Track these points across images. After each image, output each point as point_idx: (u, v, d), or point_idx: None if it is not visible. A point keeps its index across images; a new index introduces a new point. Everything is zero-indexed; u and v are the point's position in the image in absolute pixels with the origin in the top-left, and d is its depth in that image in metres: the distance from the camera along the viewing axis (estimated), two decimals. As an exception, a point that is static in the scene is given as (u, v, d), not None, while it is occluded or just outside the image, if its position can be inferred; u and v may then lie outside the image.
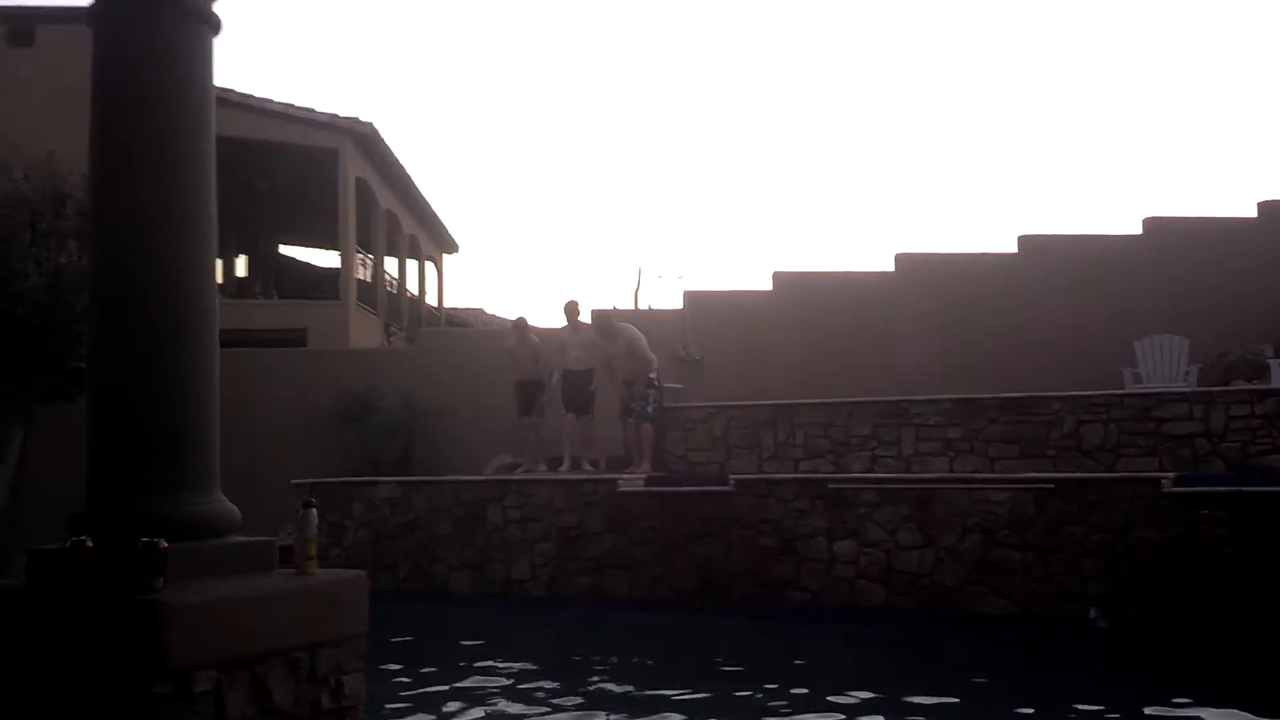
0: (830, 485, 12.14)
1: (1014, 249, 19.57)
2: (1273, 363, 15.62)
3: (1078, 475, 12.10)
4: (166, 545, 3.90)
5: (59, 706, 3.76)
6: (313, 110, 23.50)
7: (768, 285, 19.60)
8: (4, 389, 13.92)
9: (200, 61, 4.47)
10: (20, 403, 14.27)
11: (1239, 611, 10.37)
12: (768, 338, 18.26)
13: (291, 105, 23.33)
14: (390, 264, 28.49)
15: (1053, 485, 11.41)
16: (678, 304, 19.60)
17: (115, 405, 4.35)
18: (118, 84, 4.39)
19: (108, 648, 3.78)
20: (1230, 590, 10.44)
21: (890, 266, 19.47)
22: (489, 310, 34.28)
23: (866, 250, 51.28)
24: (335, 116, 23.60)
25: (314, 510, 4.64)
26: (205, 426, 4.45)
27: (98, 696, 3.73)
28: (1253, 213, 19.52)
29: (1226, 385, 14.97)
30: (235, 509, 4.48)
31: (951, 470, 13.91)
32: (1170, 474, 11.52)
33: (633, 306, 22.42)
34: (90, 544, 3.95)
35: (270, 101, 23.03)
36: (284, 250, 32.76)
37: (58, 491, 12.92)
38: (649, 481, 13.40)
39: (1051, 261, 18.73)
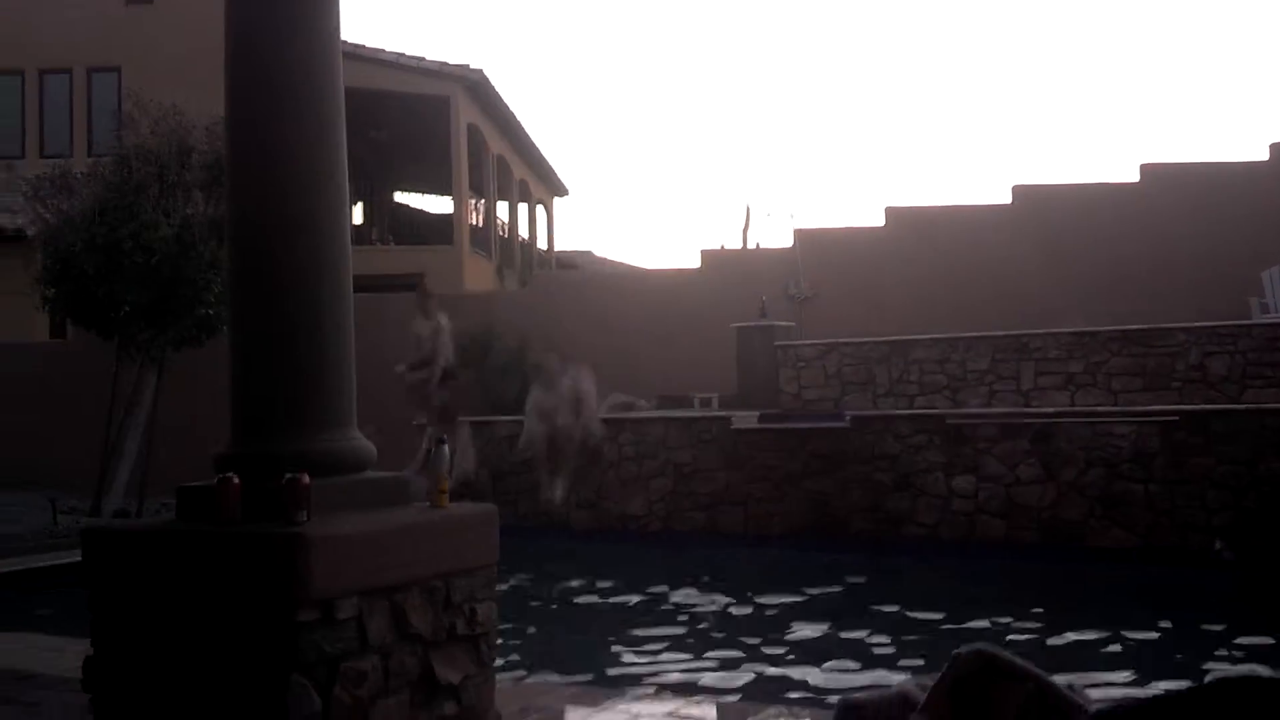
0: (949, 421, 12.04)
1: (1135, 178, 19.02)
2: None
3: (1202, 407, 11.83)
4: (309, 480, 4.05)
5: (209, 636, 3.96)
6: (424, 59, 23.74)
7: (880, 221, 19.37)
8: (139, 336, 14.45)
9: (328, 5, 4.57)
10: (154, 349, 14.80)
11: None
12: (881, 274, 18.06)
13: (403, 55, 23.60)
14: (501, 209, 28.77)
15: (1177, 418, 11.17)
16: (788, 242, 19.48)
17: (257, 348, 4.51)
18: (250, 33, 4.51)
19: (255, 578, 3.95)
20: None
21: (1006, 199, 19.09)
22: (598, 253, 34.41)
23: (981, 184, 50.16)
24: (445, 65, 23.80)
25: (446, 447, 4.78)
26: (342, 367, 4.58)
27: (246, 626, 3.91)
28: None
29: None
30: (371, 446, 4.64)
31: (1073, 404, 13.68)
32: (1300, 405, 11.20)
33: (741, 246, 22.35)
34: (237, 480, 4.13)
35: (383, 52, 23.32)
36: (399, 197, 33.26)
37: (189, 433, 13.47)
38: (763, 419, 13.43)
39: (1174, 190, 18.16)
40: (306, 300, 4.46)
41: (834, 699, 3.11)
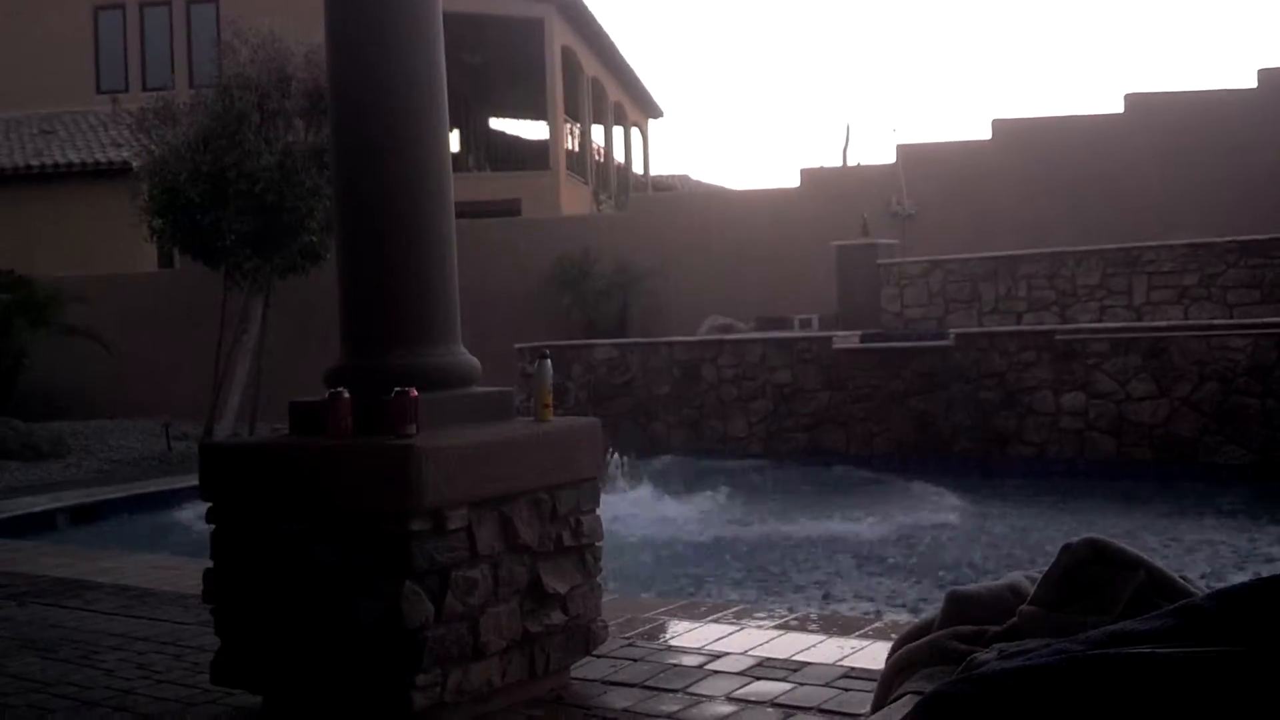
0: (1057, 337, 11.77)
1: (1253, 84, 18.25)
2: None
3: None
4: (417, 394, 4.10)
5: (324, 548, 4.05)
6: (516, -20, 23.63)
7: (986, 135, 18.89)
8: (245, 264, 14.74)
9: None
10: (260, 277, 15.10)
11: None
12: (987, 189, 17.63)
13: (496, -24, 23.50)
14: (597, 132, 28.67)
15: (1296, 331, 10.79)
16: (890, 159, 19.11)
17: (363, 265, 4.57)
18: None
19: (368, 489, 4.03)
20: None
21: (1118, 108, 18.46)
22: (694, 176, 34.18)
23: (1091, 93, 48.57)
24: (538, -15, 23.67)
25: (549, 361, 4.80)
26: (447, 283, 4.63)
27: (360, 536, 3.99)
28: None
29: None
30: (476, 361, 4.68)
31: (1186, 318, 13.28)
32: None
33: (842, 164, 21.97)
34: (347, 395, 4.19)
35: (475, -26, 23.24)
36: (495, 123, 33.33)
37: (297, 361, 13.75)
38: (865, 338, 13.28)
39: (1297, 94, 17.38)
40: (410, 217, 4.50)
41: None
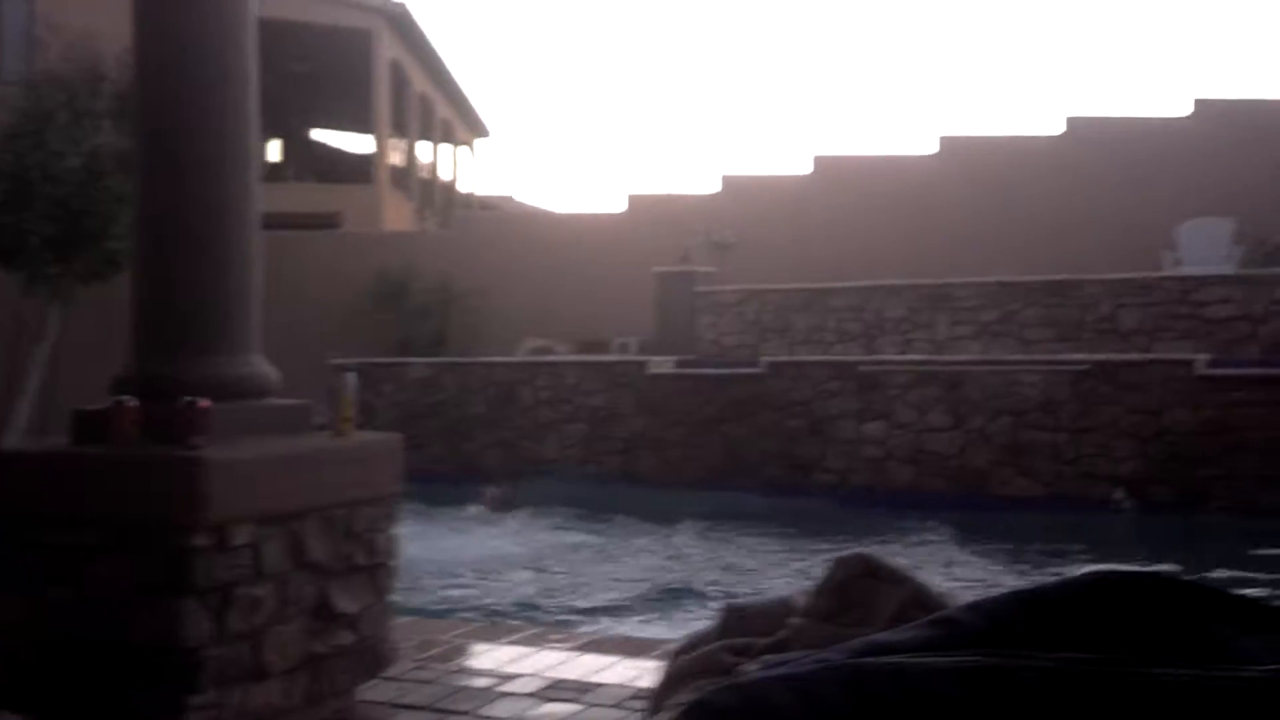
0: (861, 368, 12.16)
1: (1061, 130, 19.23)
2: (1315, 248, 15.42)
3: (1111, 357, 12.05)
4: (208, 404, 3.97)
5: (101, 561, 3.88)
6: (344, -10, 23.24)
7: (808, 169, 19.43)
8: (46, 269, 14.07)
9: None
10: (61, 282, 14.43)
11: (1272, 493, 10.38)
12: (807, 222, 18.12)
13: (323, -15, 23.07)
14: (424, 148, 28.39)
15: (1086, 367, 11.39)
16: (715, 188, 19.49)
17: (158, 271, 4.42)
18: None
19: (149, 502, 3.88)
20: (1263, 472, 10.44)
21: (934, 149, 19.23)
22: (519, 198, 34.12)
23: (909, 134, 50.43)
24: (367, -4, 23.34)
25: (352, 375, 4.72)
26: (245, 292, 4.50)
27: (138, 551, 3.84)
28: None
29: (1271, 269, 14.78)
30: (275, 371, 4.55)
31: (985, 353, 13.87)
32: (1204, 356, 11.45)
33: (667, 192, 22.25)
34: (133, 403, 4.03)
35: (302, -19, 22.77)
36: (319, 134, 32.67)
37: (94, 371, 13.17)
38: (679, 364, 13.46)
39: (1099, 144, 18.41)
40: (207, 223, 4.37)
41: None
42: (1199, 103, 19.01)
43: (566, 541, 9.75)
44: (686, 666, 2.60)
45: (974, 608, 2.17)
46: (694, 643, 2.75)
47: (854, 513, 10.76)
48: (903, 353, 14.29)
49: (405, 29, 24.56)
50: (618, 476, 12.76)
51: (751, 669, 2.33)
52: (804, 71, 48.87)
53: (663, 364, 13.40)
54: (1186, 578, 2.17)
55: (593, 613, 7.31)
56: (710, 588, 7.79)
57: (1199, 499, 10.59)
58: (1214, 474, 10.61)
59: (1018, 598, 2.07)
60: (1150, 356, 12.05)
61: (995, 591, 2.44)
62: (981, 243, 17.17)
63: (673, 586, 8.03)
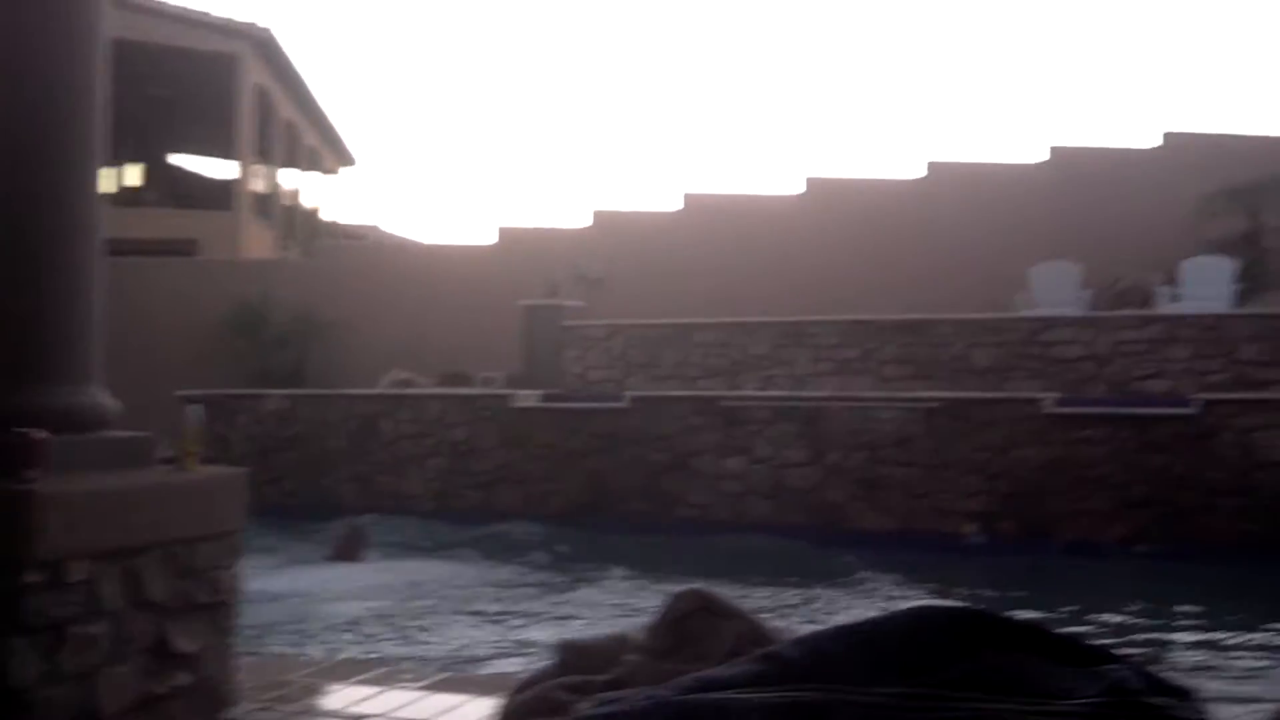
0: (722, 403, 12.28)
1: (923, 174, 19.80)
2: (1160, 290, 16.12)
3: (962, 395, 12.38)
4: (43, 435, 3.81)
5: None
6: (208, 14, 22.77)
7: (678, 206, 19.64)
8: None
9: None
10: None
11: (1116, 529, 10.76)
12: (676, 258, 18.28)
13: (187, 8, 22.57)
14: (288, 176, 27.91)
15: (938, 404, 11.68)
16: (586, 222, 19.56)
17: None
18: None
19: (-24, 537, 3.71)
20: (1103, 507, 10.82)
21: (800, 190, 19.62)
22: (384, 228, 33.72)
23: (777, 174, 51.34)
24: (232, 21, 22.90)
25: (197, 407, 4.59)
26: (85, 319, 4.35)
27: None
28: (1158, 141, 19.94)
29: (1115, 311, 15.39)
30: (115, 403, 4.40)
31: (844, 390, 14.13)
32: (1052, 395, 11.83)
33: (537, 225, 22.26)
34: (-38, 435, 3.85)
35: (165, 4, 22.25)
36: (180, 159, 31.86)
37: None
38: (545, 398, 13.43)
39: (958, 188, 18.99)
40: (47, 254, 4.21)
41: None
42: (1054, 150, 19.78)
43: (419, 578, 9.60)
44: (523, 705, 2.58)
45: (800, 643, 2.20)
46: (531, 681, 2.73)
47: (712, 547, 10.82)
48: (765, 388, 14.49)
49: (271, 55, 24.17)
50: (479, 511, 12.62)
51: (585, 707, 2.32)
52: (676, 109, 49.50)
53: (528, 397, 13.35)
54: (1008, 613, 2.24)
55: (444, 652, 7.20)
56: (564, 625, 7.75)
57: (1046, 533, 10.92)
58: (1060, 509, 10.96)
59: (843, 633, 2.12)
60: (1000, 395, 12.41)
61: (825, 625, 2.47)
62: (844, 281, 17.54)
63: (519, 624, 7.96)
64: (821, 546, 10.82)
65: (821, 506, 11.59)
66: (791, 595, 8.81)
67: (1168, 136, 19.36)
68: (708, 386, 14.70)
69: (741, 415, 12.09)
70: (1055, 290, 16.05)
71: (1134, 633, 7.81)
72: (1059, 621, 8.00)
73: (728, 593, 7.48)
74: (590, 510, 12.29)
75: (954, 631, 1.96)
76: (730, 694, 2.01)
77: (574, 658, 2.66)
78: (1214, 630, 7.75)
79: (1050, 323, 14.24)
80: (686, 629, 2.57)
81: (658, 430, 12.28)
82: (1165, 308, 15.26)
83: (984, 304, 15.84)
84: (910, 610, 1.98)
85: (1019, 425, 11.28)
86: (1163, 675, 1.91)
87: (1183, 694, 1.90)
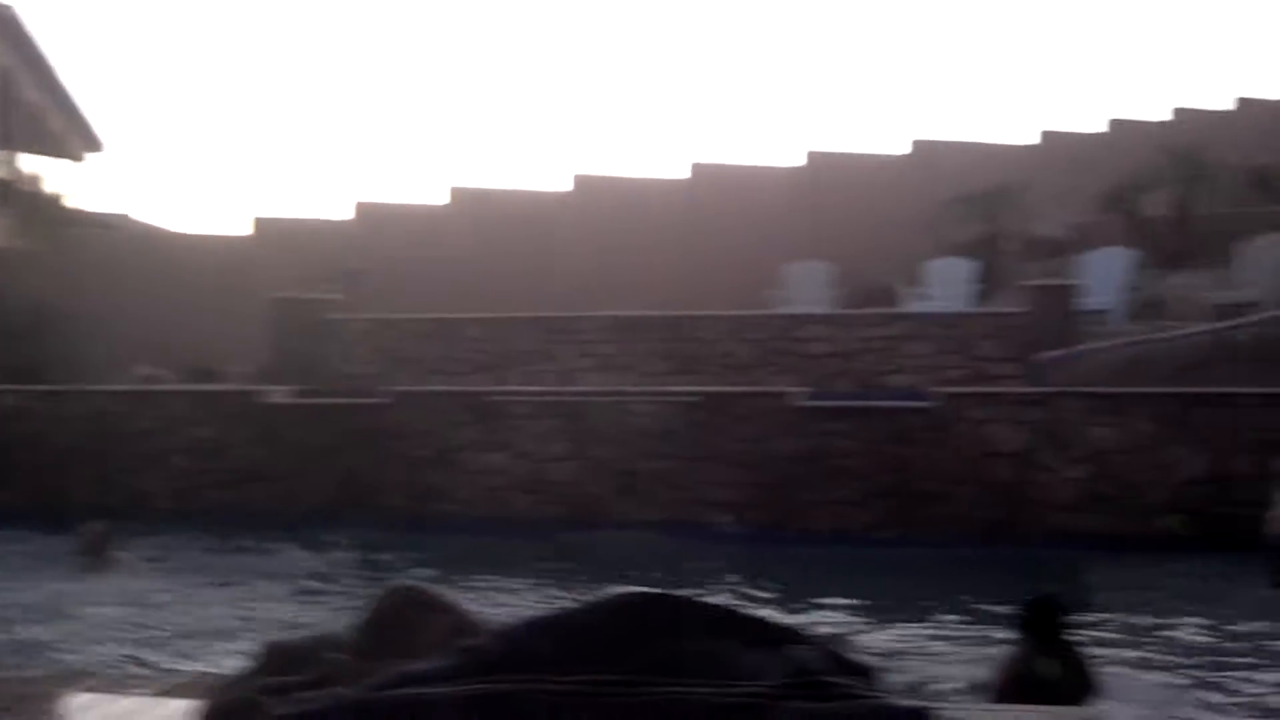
0: (485, 399, 12.19)
1: (687, 175, 20.20)
2: (905, 290, 16.91)
3: (720, 390, 12.67)
4: None
5: None
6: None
7: (444, 199, 19.43)
8: None
9: None
10: None
11: (861, 517, 11.19)
12: (443, 252, 18.08)
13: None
14: (29, 160, 26.19)
15: (697, 399, 11.91)
16: (348, 214, 19.11)
17: None
18: None
19: None
20: (850, 497, 11.24)
21: (569, 187, 19.71)
22: (135, 216, 32.05)
23: (545, 170, 51.23)
24: (-36, -7, 21.34)
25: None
26: None
27: None
28: (906, 149, 20.90)
29: (863, 309, 16.04)
30: None
31: (607, 385, 14.24)
32: (803, 390, 12.22)
33: (299, 216, 21.61)
34: None
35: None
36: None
37: None
38: (301, 394, 13.03)
39: (719, 188, 19.47)
40: None
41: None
42: (810, 154, 20.50)
43: (161, 584, 9.16)
44: (221, 708, 2.46)
45: (498, 635, 2.17)
46: (232, 683, 2.62)
47: (473, 542, 10.73)
48: (530, 384, 14.46)
49: (14, 35, 22.65)
50: (226, 511, 12.12)
51: (281, 707, 2.23)
52: (444, 101, 48.74)
53: (280, 393, 12.92)
54: (705, 598, 2.26)
55: (180, 656, 6.89)
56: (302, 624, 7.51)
57: (796, 523, 11.27)
58: (811, 499, 11.33)
59: (540, 623, 2.09)
60: (754, 389, 12.74)
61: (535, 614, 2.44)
62: (610, 278, 17.72)
63: (256, 627, 7.69)
64: (581, 536, 10.87)
65: (582, 499, 11.65)
66: (528, 586, 8.81)
67: (916, 144, 20.36)
68: (474, 382, 14.56)
69: (505, 410, 12.04)
70: (808, 289, 16.63)
71: (857, 614, 8.14)
72: (789, 605, 8.31)
73: (482, 585, 7.42)
74: (345, 507, 11.97)
75: (649, 618, 1.96)
76: (420, 689, 1.95)
77: (277, 658, 2.56)
78: (936, 613, 8.09)
79: (802, 320, 14.75)
80: (394, 625, 2.51)
81: (420, 426, 12.09)
82: (909, 306, 16.02)
83: (743, 301, 16.28)
84: (607, 598, 1.97)
85: (772, 419, 11.60)
86: (849, 655, 1.95)
87: (866, 672, 1.94)
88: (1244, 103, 22.62)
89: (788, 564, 10.03)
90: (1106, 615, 8.31)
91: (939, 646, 7.11)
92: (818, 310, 15.44)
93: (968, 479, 11.12)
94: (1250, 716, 5.94)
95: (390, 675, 2.13)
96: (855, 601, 8.44)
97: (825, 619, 8.03)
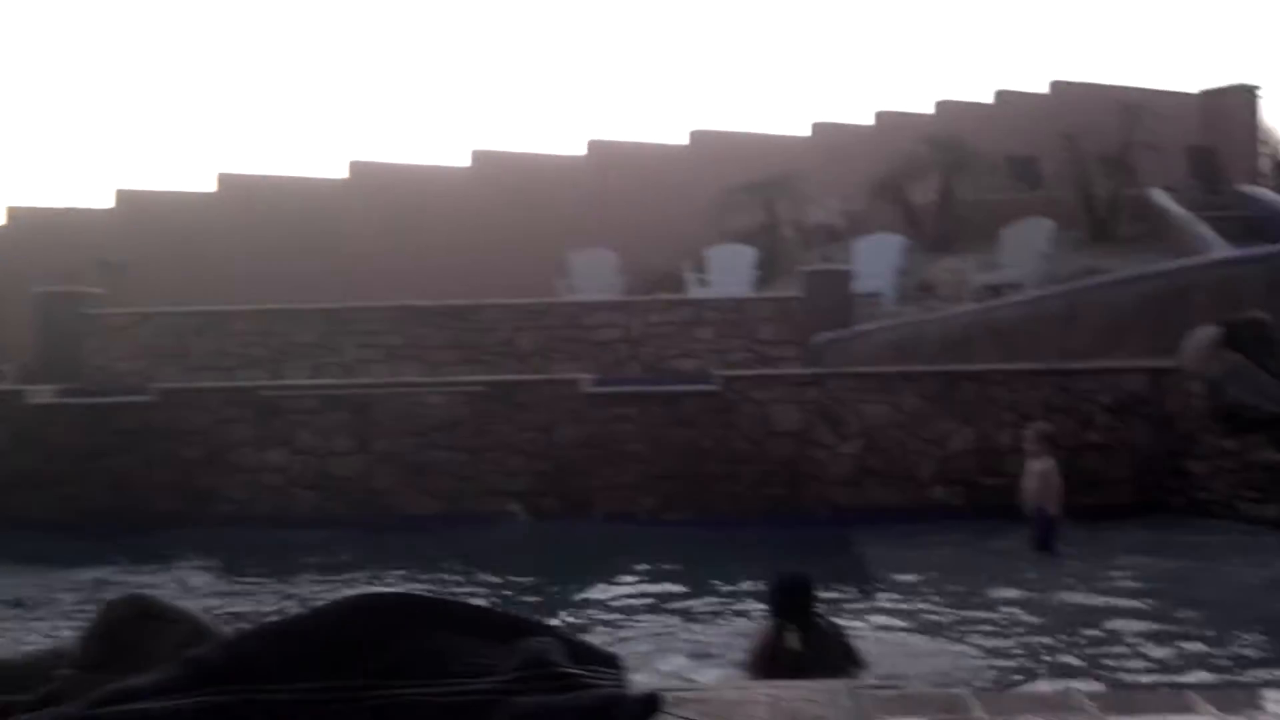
0: (262, 394, 11.81)
1: (467, 163, 20.02)
2: (689, 277, 17.18)
3: (506, 378, 12.61)
4: None
5: None
6: None
7: (212, 187, 18.72)
8: None
9: None
10: None
11: (647, 500, 11.30)
12: (210, 242, 17.40)
13: None
14: None
15: (483, 388, 11.81)
16: (109, 203, 18.19)
17: None
18: None
19: None
20: (637, 480, 11.34)
21: (344, 174, 19.27)
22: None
23: (320, 157, 49.80)
24: None
25: None
26: None
27: None
28: (685, 139, 21.22)
29: (648, 296, 16.24)
30: None
31: (392, 377, 13.99)
32: (590, 376, 12.27)
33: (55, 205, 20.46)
34: None
35: None
36: None
37: None
38: (62, 393, 12.33)
39: (501, 177, 19.37)
40: None
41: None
42: (592, 144, 20.60)
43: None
44: (-72, 739, 2.29)
45: (224, 644, 2.07)
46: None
47: (251, 543, 10.34)
48: (312, 377, 14.07)
49: None
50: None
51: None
52: (210, 85, 46.62)
53: (43, 393, 12.21)
54: (437, 595, 2.21)
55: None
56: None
57: (585, 508, 11.31)
58: (597, 484, 11.39)
59: (267, 631, 2.00)
60: (541, 377, 12.75)
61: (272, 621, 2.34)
62: (394, 268, 17.41)
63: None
64: (367, 534, 10.62)
65: (368, 494, 11.41)
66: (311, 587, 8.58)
67: (694, 135, 20.71)
68: (248, 377, 14.07)
69: (284, 406, 11.66)
70: (594, 276, 16.73)
71: (626, 599, 8.23)
72: (569, 593, 8.36)
73: (255, 589, 7.14)
74: (115, 513, 11.39)
75: (378, 619, 1.90)
76: (140, 704, 1.84)
77: None
78: (707, 593, 8.20)
79: (589, 307, 14.81)
80: (122, 637, 2.37)
81: (190, 424, 11.60)
82: (693, 293, 16.30)
83: (533, 290, 16.24)
84: (336, 602, 1.91)
85: (559, 406, 11.60)
86: (589, 644, 1.93)
87: (609, 660, 1.93)
88: (1001, 95, 23.90)
89: (574, 550, 10.06)
90: (874, 586, 8.65)
91: (700, 627, 7.22)
92: (605, 297, 15.53)
93: (751, 459, 11.37)
94: (977, 673, 6.26)
95: (110, 690, 2.01)
96: (631, 585, 8.51)
97: (600, 603, 8.12)
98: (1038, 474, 9.30)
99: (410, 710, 1.71)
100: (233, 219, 17.63)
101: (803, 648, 5.74)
